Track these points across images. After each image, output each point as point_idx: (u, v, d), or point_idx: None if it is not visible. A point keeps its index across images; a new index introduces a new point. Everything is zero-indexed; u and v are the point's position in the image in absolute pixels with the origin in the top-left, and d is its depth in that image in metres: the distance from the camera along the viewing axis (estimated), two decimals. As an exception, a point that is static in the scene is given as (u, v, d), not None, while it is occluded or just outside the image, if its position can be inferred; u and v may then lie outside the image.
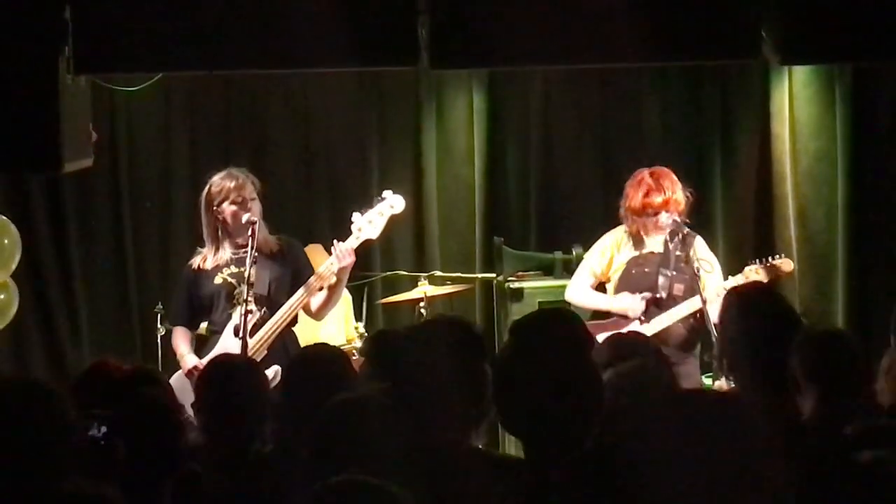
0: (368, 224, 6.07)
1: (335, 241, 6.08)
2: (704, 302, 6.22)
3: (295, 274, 6.12)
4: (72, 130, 5.79)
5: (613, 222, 6.74)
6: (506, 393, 3.20)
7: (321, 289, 6.06)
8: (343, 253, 5.99)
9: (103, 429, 3.28)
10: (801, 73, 8.21)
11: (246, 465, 4.06)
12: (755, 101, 8.36)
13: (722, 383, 5.66)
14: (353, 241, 6.06)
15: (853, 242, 8.17)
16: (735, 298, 4.31)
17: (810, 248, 8.27)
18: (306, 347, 5.18)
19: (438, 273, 7.90)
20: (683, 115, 8.43)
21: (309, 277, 6.11)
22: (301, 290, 6.02)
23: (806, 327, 4.06)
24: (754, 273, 6.49)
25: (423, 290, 7.41)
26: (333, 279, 6.06)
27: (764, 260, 6.58)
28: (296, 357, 4.78)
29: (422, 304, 7.38)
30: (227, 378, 4.31)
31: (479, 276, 8.16)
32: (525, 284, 7.84)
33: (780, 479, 2.80)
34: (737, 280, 6.42)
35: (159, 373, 4.83)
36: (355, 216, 6.11)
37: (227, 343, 5.96)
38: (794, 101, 8.27)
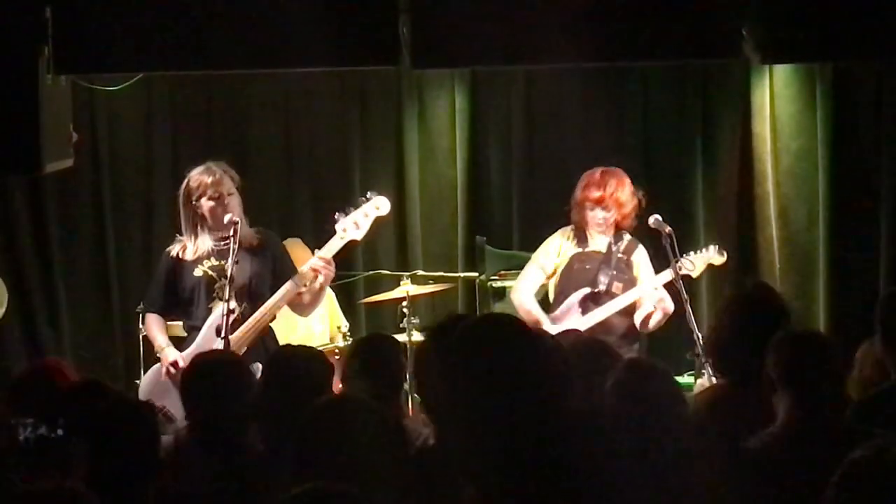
0: (353, 226, 6.02)
1: (315, 256, 6.03)
2: (687, 301, 6.28)
3: (275, 269, 6.11)
4: (52, 131, 5.78)
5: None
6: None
7: (302, 291, 6.04)
8: (323, 266, 5.95)
9: (60, 431, 3.26)
10: (781, 72, 8.23)
11: (232, 465, 4.05)
12: (736, 100, 8.37)
13: (704, 381, 5.69)
14: (336, 243, 6.01)
15: (834, 241, 8.19)
16: (731, 296, 4.34)
17: (791, 246, 8.29)
18: (283, 348, 5.17)
19: (421, 272, 7.90)
20: (664, 114, 8.44)
21: (288, 271, 6.08)
22: (282, 291, 5.99)
23: (783, 328, 4.02)
24: (689, 263, 6.53)
25: (406, 289, 7.41)
26: (317, 285, 6.05)
27: (698, 251, 6.67)
28: (272, 357, 4.75)
29: (404, 303, 7.37)
30: (217, 375, 4.30)
31: (462, 275, 8.17)
32: (507, 283, 7.84)
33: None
34: (663, 276, 6.46)
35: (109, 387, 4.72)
36: (339, 216, 6.05)
37: (208, 340, 5.93)
38: (774, 100, 8.28)
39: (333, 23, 5.88)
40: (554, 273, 6.66)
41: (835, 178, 8.20)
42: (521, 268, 7.96)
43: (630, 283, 6.52)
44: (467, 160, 8.44)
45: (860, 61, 7.57)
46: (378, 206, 6.04)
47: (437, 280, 7.88)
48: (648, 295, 6.41)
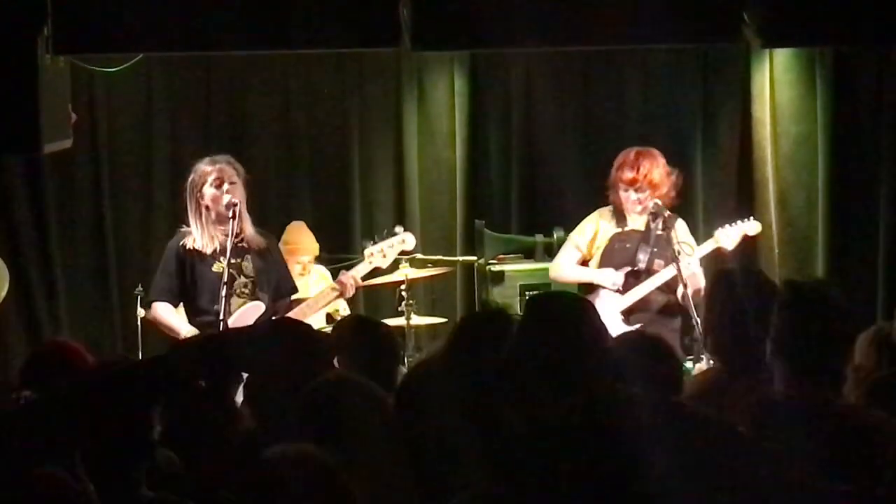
0: (381, 254, 6.61)
1: (342, 272, 6.54)
2: (686, 286, 6.29)
3: (278, 274, 6.32)
4: (51, 111, 5.77)
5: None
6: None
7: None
8: (353, 285, 6.47)
9: (61, 407, 3.26)
10: (782, 56, 8.21)
11: (226, 443, 4.05)
12: (736, 84, 8.36)
13: (702, 365, 5.70)
14: (364, 267, 6.56)
15: (833, 226, 8.19)
16: (721, 277, 4.31)
17: (791, 231, 8.29)
18: (287, 326, 5.17)
19: (419, 256, 7.88)
20: (665, 99, 8.42)
21: (287, 274, 6.40)
22: (326, 289, 6.54)
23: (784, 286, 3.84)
24: (724, 237, 6.71)
25: (405, 272, 7.40)
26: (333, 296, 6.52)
27: (732, 223, 6.79)
28: (261, 332, 4.76)
29: (402, 286, 7.37)
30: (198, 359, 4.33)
31: (461, 259, 8.16)
32: (506, 267, 7.85)
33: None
34: (708, 245, 6.66)
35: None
36: (366, 244, 6.64)
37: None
38: (775, 84, 8.27)
39: (333, 5, 5.87)
40: (590, 253, 6.74)
41: (834, 163, 8.20)
42: (520, 252, 8.01)
43: (670, 259, 6.50)
44: (466, 143, 8.43)
45: (861, 46, 7.55)
46: (405, 240, 6.72)
47: (435, 264, 7.87)
48: (689, 268, 6.44)
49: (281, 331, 4.48)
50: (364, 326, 4.83)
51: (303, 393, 3.27)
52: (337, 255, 7.74)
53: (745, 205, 8.26)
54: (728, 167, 8.37)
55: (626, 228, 6.66)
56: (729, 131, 8.37)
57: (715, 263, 7.71)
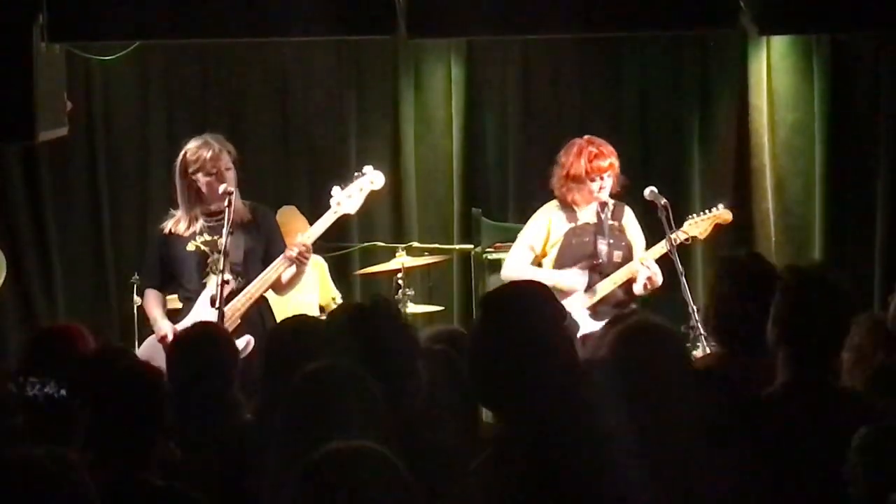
0: (347, 198, 6.02)
1: (297, 239, 6.01)
2: (682, 274, 6.28)
3: (267, 244, 6.09)
4: (46, 99, 5.76)
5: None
6: (479, 365, 3.20)
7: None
8: (299, 255, 5.90)
9: (62, 391, 3.25)
10: (779, 44, 8.20)
11: (221, 435, 4.05)
12: (733, 72, 8.35)
13: (698, 353, 5.70)
14: (329, 217, 6.02)
15: (830, 213, 8.19)
16: (724, 263, 4.31)
17: (788, 219, 8.29)
18: (286, 319, 5.17)
19: (416, 244, 7.88)
20: (662, 86, 8.41)
21: (279, 247, 6.07)
22: (275, 264, 5.98)
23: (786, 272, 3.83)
24: (694, 227, 6.58)
25: (401, 261, 7.40)
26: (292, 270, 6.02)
27: (702, 212, 6.67)
28: (275, 328, 4.76)
29: (399, 275, 7.37)
30: (197, 347, 4.32)
31: (457, 247, 8.15)
32: (503, 255, 7.78)
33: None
34: (678, 234, 6.46)
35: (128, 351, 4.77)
36: (335, 190, 6.04)
37: (203, 312, 5.93)
38: (772, 72, 8.26)
39: (329, -8, 5.86)
40: (544, 251, 6.58)
41: (831, 150, 8.19)
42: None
43: (626, 248, 6.49)
44: (463, 131, 8.42)
45: (857, 33, 7.55)
46: (373, 179, 6.04)
47: (432, 252, 7.87)
48: (643, 260, 6.40)
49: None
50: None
51: (292, 382, 3.26)
52: (333, 242, 7.72)
53: (742, 192, 8.26)
54: (725, 154, 8.37)
55: (580, 223, 6.51)
56: (726, 119, 8.37)
57: (711, 251, 7.75)
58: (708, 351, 5.39)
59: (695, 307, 6.11)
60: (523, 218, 8.14)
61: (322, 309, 7.41)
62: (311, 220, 7.47)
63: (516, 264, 6.59)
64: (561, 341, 3.17)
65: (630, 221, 6.58)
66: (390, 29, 5.88)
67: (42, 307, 8.16)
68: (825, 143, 8.19)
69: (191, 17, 5.84)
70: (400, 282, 7.34)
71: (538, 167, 8.38)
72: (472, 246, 7.96)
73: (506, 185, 8.49)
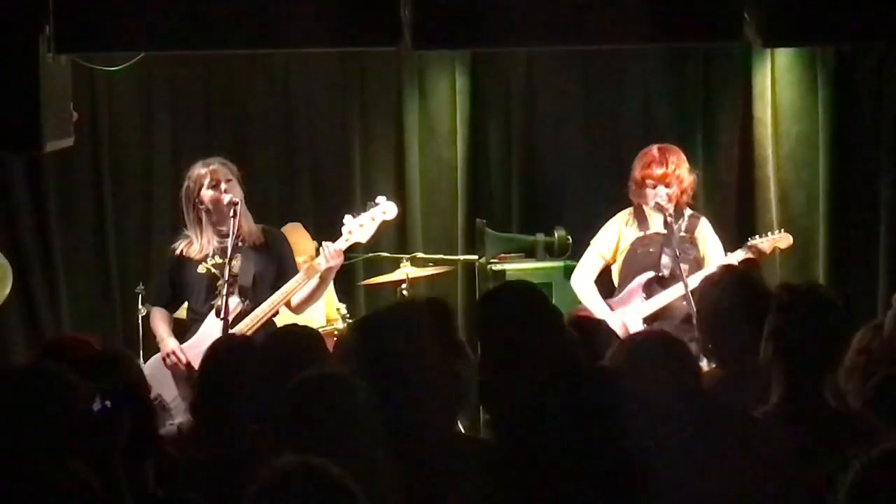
0: (359, 228, 6.12)
1: (324, 242, 6.12)
2: (687, 287, 6.26)
3: (279, 268, 6.18)
4: (52, 110, 5.76)
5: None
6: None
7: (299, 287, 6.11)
8: (332, 254, 6.03)
9: (107, 402, 3.25)
10: (783, 56, 8.22)
11: (236, 450, 4.06)
12: (737, 84, 8.36)
13: (703, 364, 5.69)
14: (341, 244, 6.10)
15: (834, 226, 8.19)
16: (713, 280, 4.31)
17: (791, 231, 8.16)
18: (278, 328, 5.19)
19: (420, 255, 7.89)
20: (665, 98, 8.42)
21: (292, 271, 6.17)
22: (287, 286, 6.05)
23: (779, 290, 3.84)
24: (755, 249, 6.60)
25: (405, 271, 7.40)
26: (317, 278, 6.10)
27: (763, 235, 6.74)
28: (268, 338, 4.77)
29: (403, 285, 7.37)
30: (229, 362, 4.34)
31: (461, 258, 8.16)
32: (507, 266, 7.85)
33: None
34: (736, 255, 6.50)
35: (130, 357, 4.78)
36: (347, 218, 6.15)
37: (209, 328, 5.97)
38: (776, 84, 8.27)
39: (334, 3, 5.86)
40: (614, 259, 6.61)
41: (835, 162, 8.20)
42: (521, 251, 8.01)
43: (696, 261, 6.46)
44: (467, 142, 8.43)
45: (862, 45, 7.56)
46: (385, 210, 6.17)
47: (436, 263, 7.87)
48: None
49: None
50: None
51: (286, 390, 3.26)
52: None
53: (746, 204, 8.27)
54: (729, 166, 8.37)
55: (649, 232, 6.52)
56: (730, 131, 8.38)
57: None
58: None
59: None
60: (527, 229, 8.19)
61: (329, 321, 7.42)
62: (317, 234, 7.51)
63: (581, 271, 6.68)
64: (545, 344, 3.16)
65: (705, 233, 6.55)
66: (396, 40, 5.88)
67: (46, 318, 8.16)
68: (829, 154, 8.19)
69: (196, 29, 5.84)
70: (404, 293, 7.34)
71: (542, 178, 8.43)
72: (476, 257, 7.97)
73: (510, 195, 8.50)
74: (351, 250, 6.34)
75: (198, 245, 6.11)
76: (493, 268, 7.83)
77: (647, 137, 8.25)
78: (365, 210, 6.17)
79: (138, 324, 7.39)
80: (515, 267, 7.83)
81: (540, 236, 7.96)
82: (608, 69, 8.39)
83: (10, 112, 5.54)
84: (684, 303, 6.33)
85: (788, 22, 5.94)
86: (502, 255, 7.93)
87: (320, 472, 2.47)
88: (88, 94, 7.97)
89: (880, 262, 8.11)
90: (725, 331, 4.15)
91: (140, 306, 7.29)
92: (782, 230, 6.88)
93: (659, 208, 6.44)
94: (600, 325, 5.69)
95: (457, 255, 8.22)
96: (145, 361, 6.94)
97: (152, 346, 7.07)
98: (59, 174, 8.19)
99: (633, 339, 3.99)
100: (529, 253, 7.98)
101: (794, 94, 8.28)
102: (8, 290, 7.27)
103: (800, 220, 8.27)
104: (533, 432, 2.66)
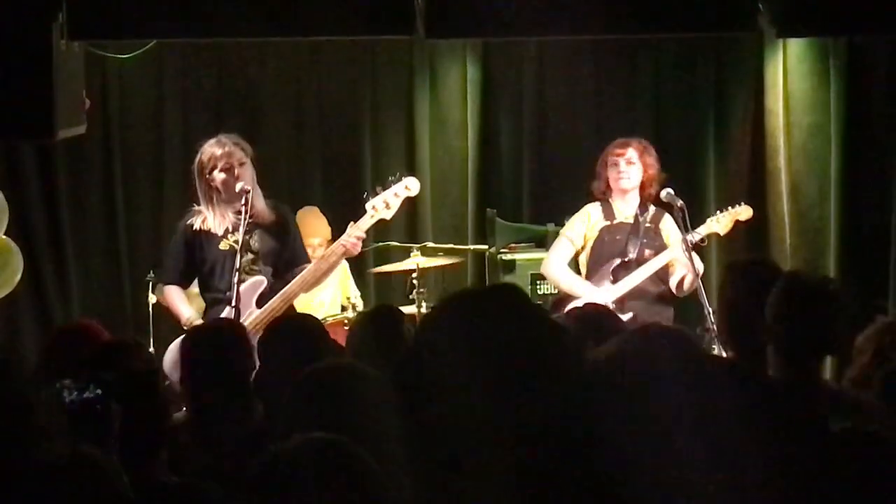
0: (384, 205, 6.09)
1: (351, 223, 6.08)
2: (697, 275, 6.31)
3: (293, 245, 6.15)
4: (65, 97, 5.77)
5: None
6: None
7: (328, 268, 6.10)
8: (355, 244, 6.01)
9: (98, 391, 3.25)
10: (795, 47, 8.19)
11: (234, 435, 4.06)
12: (749, 75, 8.34)
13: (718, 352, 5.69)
14: (366, 221, 6.08)
15: (846, 217, 8.17)
16: (732, 269, 4.32)
17: (803, 222, 8.28)
18: (279, 318, 5.19)
19: (431, 244, 7.88)
20: (677, 88, 8.41)
21: (302, 248, 6.17)
22: (313, 266, 6.06)
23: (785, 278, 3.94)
24: (715, 223, 6.76)
25: (416, 261, 7.40)
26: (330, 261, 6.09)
27: (724, 209, 6.86)
28: (269, 328, 4.75)
29: (414, 275, 7.37)
30: (218, 346, 4.33)
31: (472, 247, 8.16)
32: (517, 256, 7.85)
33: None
34: (700, 231, 6.67)
35: (140, 345, 4.79)
36: (368, 195, 6.12)
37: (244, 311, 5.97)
38: (788, 75, 8.26)
39: (347, -9, 5.86)
40: (584, 246, 6.76)
41: (847, 153, 8.18)
42: (531, 241, 8.00)
43: (660, 250, 6.64)
44: (478, 132, 8.42)
45: (875, 36, 7.53)
46: (408, 186, 6.17)
47: (446, 252, 7.87)
48: (679, 258, 6.52)
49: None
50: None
51: (298, 380, 3.25)
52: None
53: (758, 195, 8.25)
54: (740, 157, 8.36)
55: (616, 221, 6.70)
56: (741, 121, 8.36)
57: (727, 255, 7.74)
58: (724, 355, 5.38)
59: (710, 309, 6.11)
60: (538, 219, 8.18)
61: (343, 308, 7.43)
62: (329, 221, 7.51)
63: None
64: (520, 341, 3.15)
65: (669, 226, 6.70)
66: (409, 29, 5.87)
67: (57, 305, 8.17)
68: (841, 146, 8.17)
69: (207, 16, 5.85)
70: (415, 282, 7.34)
71: (553, 168, 8.42)
72: (486, 246, 7.97)
73: (520, 185, 8.50)
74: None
75: (212, 221, 6.07)
76: (504, 258, 7.83)
77: (659, 127, 8.28)
78: (386, 188, 6.13)
79: (149, 311, 7.40)
80: (525, 257, 7.83)
81: (550, 226, 7.94)
82: (620, 59, 8.37)
83: (24, 100, 5.55)
84: (655, 284, 6.60)
85: (803, 12, 5.93)
86: (512, 244, 7.93)
87: (339, 446, 2.40)
88: (100, 82, 7.97)
89: (892, 253, 8.10)
90: (739, 319, 4.15)
91: (150, 293, 7.28)
92: (742, 203, 6.94)
93: (622, 191, 6.62)
94: (609, 314, 5.70)
95: (467, 244, 8.22)
96: (156, 350, 6.96)
97: (162, 333, 7.08)
98: (70, 161, 8.20)
99: (646, 330, 4.01)
100: (540, 243, 7.96)
101: (806, 86, 8.26)
102: (18, 277, 7.27)
103: (811, 211, 8.27)
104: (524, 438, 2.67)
